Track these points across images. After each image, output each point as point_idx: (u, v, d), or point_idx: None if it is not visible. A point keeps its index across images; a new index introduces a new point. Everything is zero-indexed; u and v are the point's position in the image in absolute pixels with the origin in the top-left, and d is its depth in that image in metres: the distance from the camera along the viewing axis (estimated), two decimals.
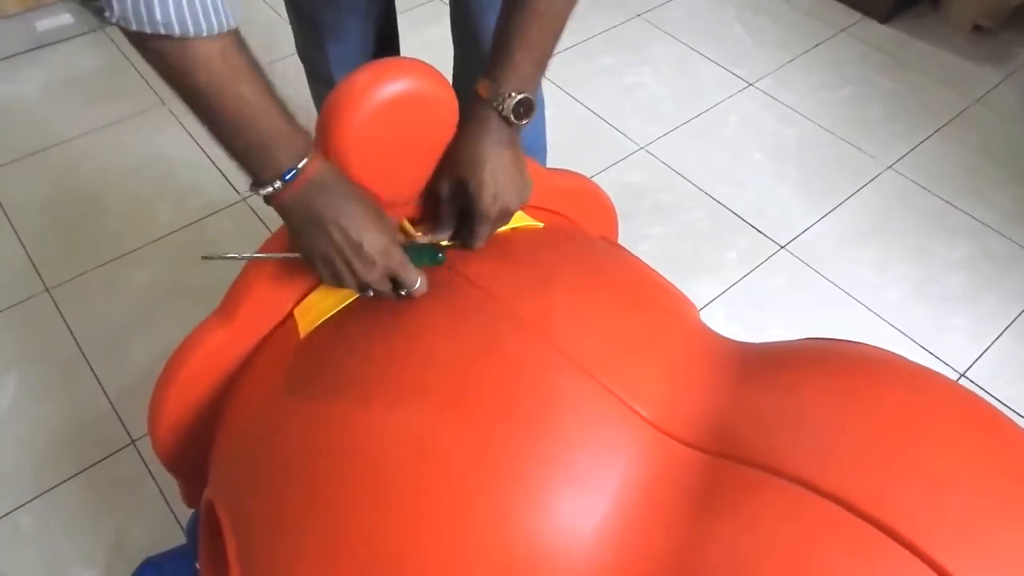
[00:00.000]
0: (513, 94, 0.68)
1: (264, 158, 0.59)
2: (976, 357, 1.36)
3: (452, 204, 0.71)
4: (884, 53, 1.97)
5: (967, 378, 1.33)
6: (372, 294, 0.66)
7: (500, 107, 0.68)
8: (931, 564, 0.49)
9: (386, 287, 0.65)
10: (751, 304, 1.43)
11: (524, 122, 0.70)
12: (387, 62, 0.62)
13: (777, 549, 0.51)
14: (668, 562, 0.54)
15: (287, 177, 0.60)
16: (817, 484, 0.53)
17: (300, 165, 0.60)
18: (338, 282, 0.64)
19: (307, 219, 0.62)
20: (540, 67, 0.71)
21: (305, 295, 0.69)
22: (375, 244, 0.62)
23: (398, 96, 0.62)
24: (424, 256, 0.69)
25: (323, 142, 0.63)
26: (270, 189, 0.60)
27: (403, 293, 0.66)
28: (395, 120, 0.64)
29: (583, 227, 0.85)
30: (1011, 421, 0.61)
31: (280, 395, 0.66)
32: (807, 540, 0.52)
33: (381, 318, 0.67)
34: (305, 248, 0.63)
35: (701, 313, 1.19)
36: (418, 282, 0.66)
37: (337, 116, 0.62)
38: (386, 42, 1.16)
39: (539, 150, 1.20)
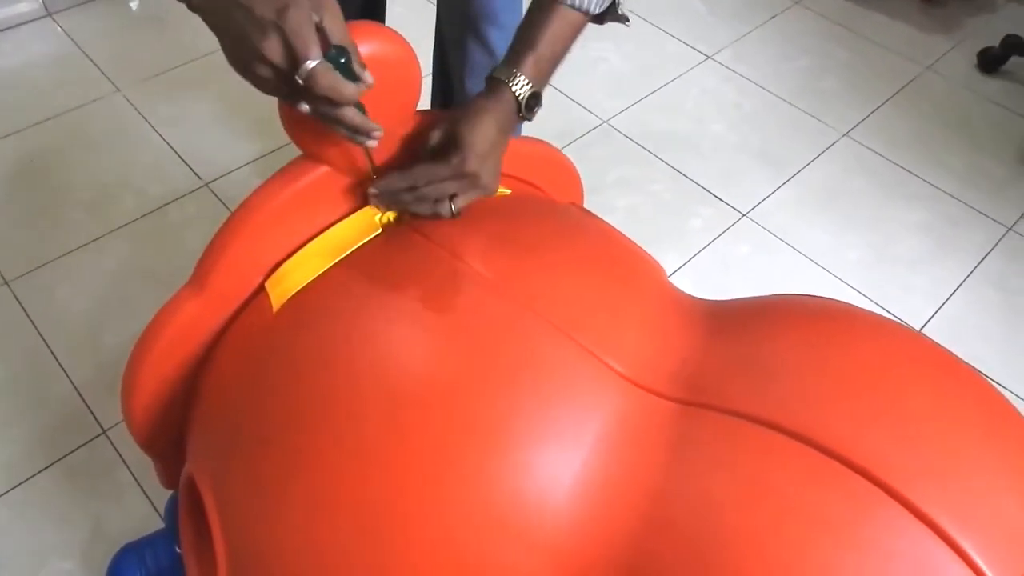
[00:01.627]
0: (530, 84, 0.72)
1: None
2: (932, 314, 1.41)
3: (430, 156, 0.71)
4: (839, 24, 2.01)
5: (923, 335, 1.38)
6: (305, 106, 0.58)
7: (519, 93, 0.71)
8: (899, 499, 0.52)
9: (283, 62, 0.55)
10: (716, 271, 1.46)
11: (530, 115, 0.73)
12: (351, 25, 0.61)
13: (751, 488, 0.53)
14: (645, 509, 0.56)
15: None
16: (788, 426, 0.55)
17: None
18: (245, 71, 0.59)
19: (215, 7, 0.56)
20: (551, 73, 0.75)
21: (278, 264, 0.69)
22: (268, 5, 0.54)
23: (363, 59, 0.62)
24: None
25: (284, 112, 0.63)
26: None
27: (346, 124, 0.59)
28: None
29: (549, 193, 0.86)
30: (967, 364, 0.64)
31: (256, 365, 0.66)
32: (779, 479, 0.54)
33: (353, 285, 0.67)
34: (222, 44, 0.58)
35: (672, 283, 1.21)
36: (350, 88, 0.57)
37: None
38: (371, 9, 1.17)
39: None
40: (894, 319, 1.38)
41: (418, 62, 0.68)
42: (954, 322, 1.40)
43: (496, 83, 0.72)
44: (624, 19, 0.78)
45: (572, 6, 0.72)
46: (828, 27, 2.00)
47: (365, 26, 0.64)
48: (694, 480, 0.55)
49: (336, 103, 0.58)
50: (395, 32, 0.66)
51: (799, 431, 0.55)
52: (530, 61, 0.72)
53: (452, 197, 0.69)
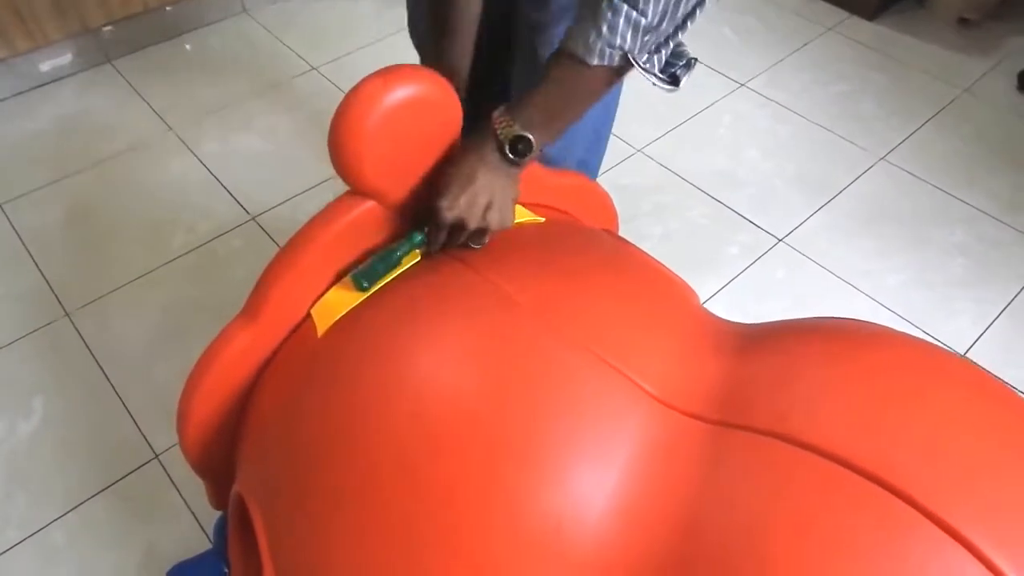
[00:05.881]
0: (516, 127, 0.71)
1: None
2: (976, 338, 1.39)
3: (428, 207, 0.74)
4: (873, 49, 2.01)
5: (968, 359, 1.36)
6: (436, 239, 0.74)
7: (500, 133, 0.71)
8: (935, 519, 0.52)
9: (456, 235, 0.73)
10: (753, 297, 1.45)
11: (519, 159, 0.72)
12: (395, 69, 0.65)
13: (784, 509, 0.54)
14: (680, 528, 0.56)
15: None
16: (816, 444, 0.56)
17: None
18: (451, 208, 0.71)
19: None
20: (553, 120, 0.73)
21: (322, 295, 0.73)
22: (507, 220, 0.73)
23: (405, 101, 0.66)
24: (383, 262, 0.73)
25: (336, 144, 0.67)
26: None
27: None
28: (403, 123, 0.67)
29: (583, 221, 0.88)
30: (1005, 385, 0.64)
31: (302, 391, 0.69)
32: (813, 499, 0.54)
33: (393, 311, 0.70)
34: (472, 179, 0.71)
35: (705, 306, 1.22)
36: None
37: (348, 119, 0.66)
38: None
39: (592, 170, 1.25)
40: (934, 342, 1.37)
41: (458, 100, 0.72)
42: (1001, 346, 1.38)
43: (486, 123, 0.72)
44: (671, 83, 0.72)
45: (571, 55, 0.69)
46: (863, 52, 2.00)
47: (412, 70, 0.68)
48: (727, 500, 0.56)
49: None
50: (437, 75, 0.70)
51: (832, 451, 0.56)
52: (522, 104, 0.71)
53: (470, 236, 0.73)
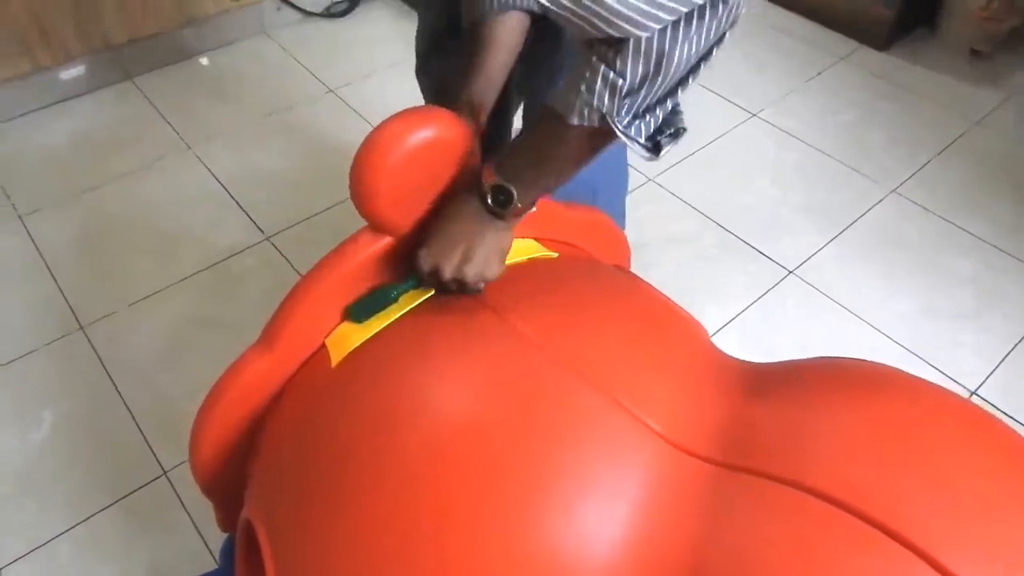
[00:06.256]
0: (498, 177, 0.71)
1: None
2: (987, 374, 1.38)
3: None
4: (884, 79, 2.02)
5: (978, 396, 1.35)
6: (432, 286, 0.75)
7: (481, 187, 0.71)
8: (935, 565, 0.52)
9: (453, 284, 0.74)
10: (762, 328, 1.46)
11: (501, 209, 0.71)
12: (417, 111, 0.67)
13: (784, 552, 0.54)
14: (682, 569, 0.57)
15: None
16: (822, 490, 0.56)
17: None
18: (427, 256, 0.72)
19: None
20: (539, 176, 0.72)
21: (336, 326, 0.74)
22: (486, 271, 0.74)
23: (425, 143, 0.68)
24: (376, 299, 0.75)
25: (356, 182, 0.68)
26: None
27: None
28: (422, 164, 0.69)
29: (596, 256, 0.89)
30: (1007, 426, 0.64)
31: (314, 420, 0.70)
32: (813, 543, 0.55)
33: (404, 344, 0.71)
34: (448, 229, 0.73)
35: (715, 338, 1.22)
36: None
37: (369, 159, 0.67)
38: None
39: (618, 216, 1.25)
40: (945, 378, 1.37)
41: (476, 144, 0.73)
42: (1011, 380, 1.37)
43: (472, 178, 0.73)
44: (651, 150, 0.69)
45: (553, 111, 0.68)
46: (874, 82, 2.01)
47: (434, 112, 0.70)
48: (731, 543, 0.56)
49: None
50: (453, 115, 0.71)
51: (838, 497, 0.56)
52: (509, 156, 0.72)
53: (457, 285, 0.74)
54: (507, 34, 0.80)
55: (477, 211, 0.72)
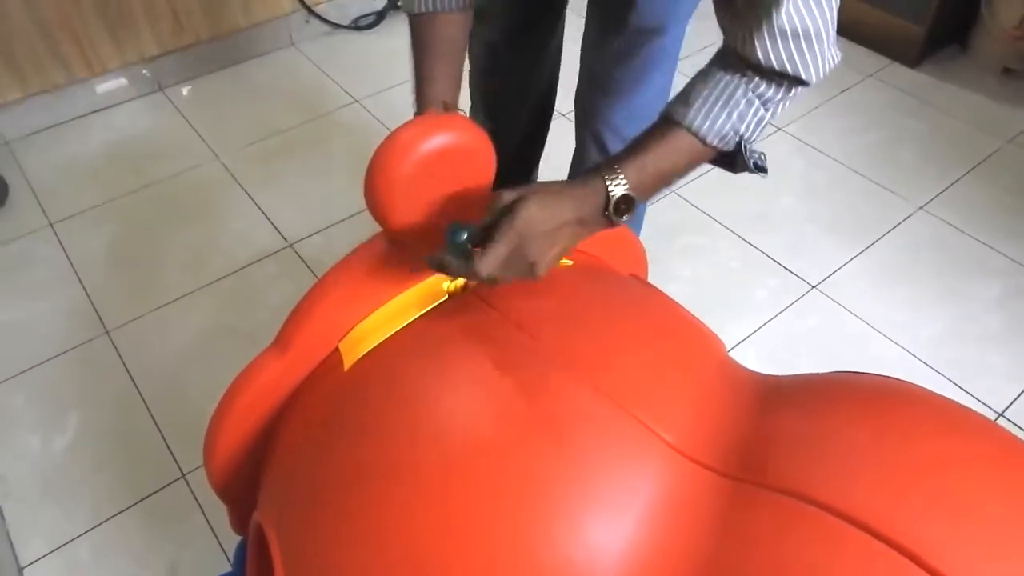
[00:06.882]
0: (626, 185, 0.67)
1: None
2: (1015, 396, 1.35)
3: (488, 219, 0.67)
4: (914, 96, 2.00)
5: (1005, 418, 1.32)
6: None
7: (611, 188, 0.67)
8: None
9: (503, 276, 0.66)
10: (783, 343, 1.44)
11: (618, 217, 0.68)
12: (431, 117, 0.68)
13: (797, 568, 0.53)
14: None
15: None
16: (839, 508, 0.55)
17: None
18: (531, 230, 0.64)
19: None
20: (657, 186, 0.71)
21: (350, 329, 0.74)
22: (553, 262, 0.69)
23: (440, 149, 0.68)
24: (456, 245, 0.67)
25: (371, 188, 0.69)
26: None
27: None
28: (437, 170, 0.69)
29: (612, 266, 0.89)
30: None
31: (325, 424, 0.70)
32: (826, 563, 0.53)
33: (416, 349, 0.71)
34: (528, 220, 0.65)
35: (733, 352, 1.21)
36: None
37: (383, 165, 0.68)
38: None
39: (636, 226, 1.27)
40: (971, 399, 1.34)
41: (492, 149, 0.74)
42: None
43: (592, 175, 0.68)
44: (760, 170, 0.74)
45: (690, 130, 0.69)
46: (903, 99, 1.99)
47: (447, 119, 0.70)
48: (743, 558, 0.55)
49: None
50: (471, 122, 0.72)
51: (853, 514, 0.55)
52: (635, 165, 0.68)
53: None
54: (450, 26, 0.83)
55: (594, 211, 0.67)
